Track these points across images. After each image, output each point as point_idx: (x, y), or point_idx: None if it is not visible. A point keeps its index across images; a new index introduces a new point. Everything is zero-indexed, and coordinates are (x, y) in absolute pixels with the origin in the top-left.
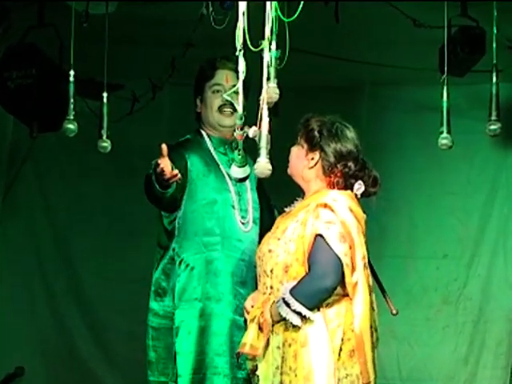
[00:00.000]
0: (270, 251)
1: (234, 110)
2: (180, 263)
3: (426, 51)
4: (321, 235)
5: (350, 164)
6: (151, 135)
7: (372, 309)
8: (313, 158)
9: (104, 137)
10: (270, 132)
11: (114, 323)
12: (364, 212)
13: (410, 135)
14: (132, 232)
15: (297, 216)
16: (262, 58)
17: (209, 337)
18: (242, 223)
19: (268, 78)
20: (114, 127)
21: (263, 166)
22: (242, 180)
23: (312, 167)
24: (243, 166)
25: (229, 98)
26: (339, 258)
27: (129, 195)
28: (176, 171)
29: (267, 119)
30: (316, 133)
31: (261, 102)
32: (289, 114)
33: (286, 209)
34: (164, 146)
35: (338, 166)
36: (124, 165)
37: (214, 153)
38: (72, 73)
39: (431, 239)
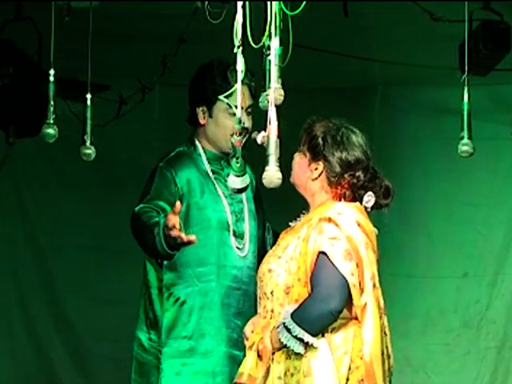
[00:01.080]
0: (269, 271)
1: (248, 133)
2: (169, 297)
3: (445, 48)
4: (324, 253)
5: (359, 174)
6: (140, 141)
7: (384, 333)
8: (316, 169)
9: (87, 143)
10: (279, 137)
11: (100, 349)
12: (375, 226)
13: (427, 141)
14: (119, 248)
15: (299, 232)
16: (262, 56)
17: (203, 377)
18: (238, 248)
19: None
20: (98, 132)
21: (272, 174)
22: (241, 191)
23: (316, 178)
24: (242, 176)
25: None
26: (345, 278)
27: (115, 208)
28: (193, 237)
29: (275, 123)
30: (319, 140)
31: (269, 104)
32: (293, 118)
33: (290, 223)
34: (178, 205)
35: (345, 176)
36: (110, 174)
37: (209, 170)
38: (52, 72)
39: (450, 256)
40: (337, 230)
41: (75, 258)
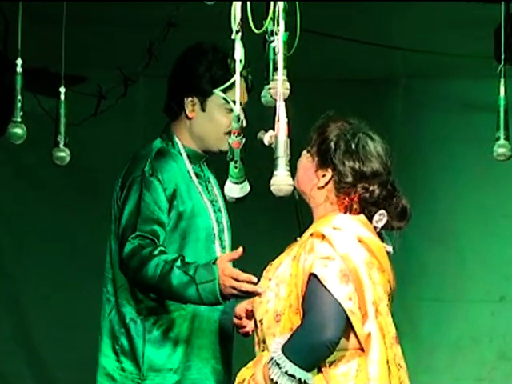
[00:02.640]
0: (259, 296)
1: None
2: (150, 322)
3: (478, 34)
4: (315, 275)
5: (373, 188)
6: (122, 142)
7: (397, 366)
8: (324, 176)
9: (61, 144)
10: (288, 136)
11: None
12: (384, 240)
13: (457, 142)
14: (96, 265)
15: (293, 249)
16: (264, 43)
17: None
18: None
19: (275, 69)
20: (74, 132)
21: (282, 180)
22: (239, 200)
23: (322, 187)
24: (241, 182)
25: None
26: (340, 304)
27: (92, 219)
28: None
29: (285, 120)
30: (331, 144)
31: (277, 99)
32: (302, 113)
33: (298, 238)
34: (241, 251)
35: (357, 187)
36: (86, 180)
37: (191, 171)
38: (19, 62)
39: (484, 277)
40: (330, 249)
41: (45, 275)
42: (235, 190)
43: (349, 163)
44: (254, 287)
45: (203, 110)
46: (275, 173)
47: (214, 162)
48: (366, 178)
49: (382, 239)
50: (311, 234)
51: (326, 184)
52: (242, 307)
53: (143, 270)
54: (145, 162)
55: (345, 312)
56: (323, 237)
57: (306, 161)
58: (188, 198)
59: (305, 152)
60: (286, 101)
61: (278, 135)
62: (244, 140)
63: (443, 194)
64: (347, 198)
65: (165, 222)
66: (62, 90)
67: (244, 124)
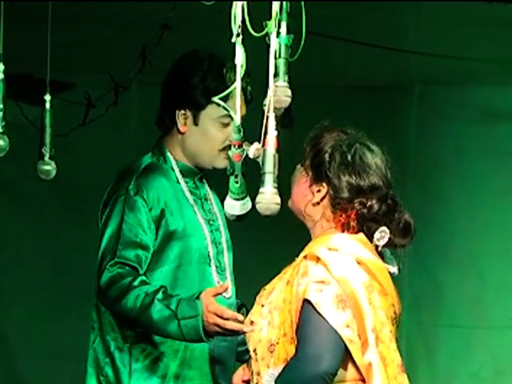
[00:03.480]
0: (251, 323)
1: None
2: (137, 350)
3: (502, 36)
4: (309, 301)
5: (371, 203)
6: (113, 154)
7: None
8: (319, 191)
9: (46, 157)
10: (277, 150)
11: None
12: (386, 260)
13: (476, 155)
14: (82, 289)
15: (287, 272)
16: (267, 47)
17: None
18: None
19: (275, 75)
20: (60, 144)
21: (269, 198)
22: (240, 218)
23: (317, 203)
24: (242, 199)
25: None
26: (337, 332)
27: (79, 238)
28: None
29: (274, 133)
30: (325, 157)
31: (265, 109)
32: (306, 123)
33: (297, 258)
34: (226, 286)
35: (354, 202)
36: (74, 196)
37: (185, 188)
38: (1, 67)
39: (506, 301)
40: (325, 272)
41: (29, 299)
42: (236, 206)
43: (344, 177)
44: (240, 326)
45: (196, 124)
46: (261, 190)
47: (215, 178)
48: (364, 193)
49: (384, 259)
50: (305, 257)
51: (322, 200)
52: (238, 377)
53: (122, 302)
54: (130, 179)
55: (342, 341)
56: (318, 259)
57: (300, 175)
58: (179, 217)
59: (298, 166)
60: (287, 109)
61: (267, 148)
62: (245, 153)
63: (461, 211)
64: (344, 215)
65: (149, 244)
66: (48, 97)
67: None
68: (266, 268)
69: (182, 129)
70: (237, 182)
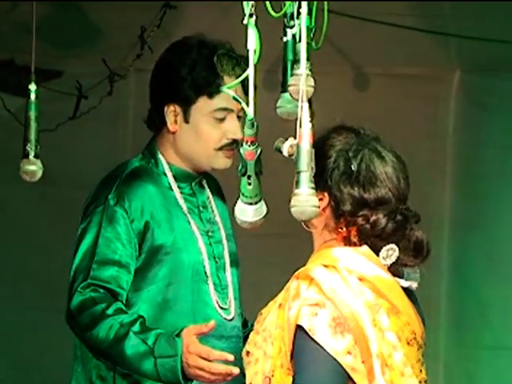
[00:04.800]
0: (247, 354)
1: (237, 146)
2: (121, 379)
3: None
4: (301, 327)
5: (377, 218)
6: (107, 152)
7: None
8: (321, 200)
9: (31, 155)
10: (313, 145)
11: None
12: (401, 276)
13: None
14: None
15: (280, 294)
16: (284, 30)
17: None
18: (222, 308)
19: (295, 61)
20: (47, 139)
21: (305, 200)
22: (253, 226)
23: (320, 214)
24: (256, 203)
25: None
26: (337, 361)
27: (68, 250)
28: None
29: (308, 125)
30: (328, 163)
31: (299, 98)
32: (329, 117)
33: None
34: (212, 325)
35: (358, 217)
36: (62, 201)
37: (178, 195)
38: None
39: None
40: (319, 293)
41: (6, 320)
42: (248, 211)
43: (345, 188)
44: (228, 368)
45: (187, 121)
46: (296, 191)
47: (225, 179)
48: (369, 206)
49: (398, 273)
50: (296, 276)
51: (324, 209)
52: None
53: (93, 331)
54: (111, 187)
55: (344, 370)
56: (311, 280)
57: None
58: (168, 229)
59: None
60: (309, 101)
61: (301, 144)
62: (260, 150)
63: (508, 215)
64: (345, 229)
65: (130, 261)
66: (33, 87)
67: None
68: (275, 284)
69: (171, 127)
70: (249, 184)
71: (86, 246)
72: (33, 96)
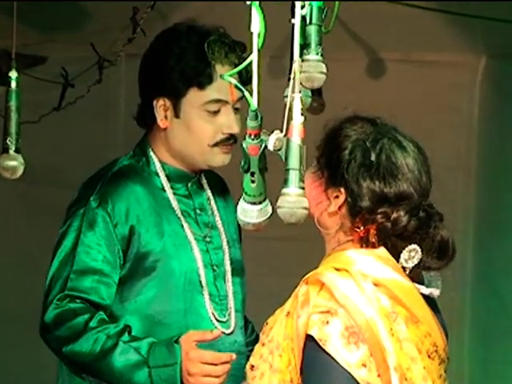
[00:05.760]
0: (251, 368)
1: (235, 141)
2: None
3: None
4: (312, 337)
5: (398, 216)
6: (96, 146)
7: None
8: (337, 197)
9: (11, 150)
10: (303, 140)
11: None
12: (421, 282)
13: None
14: None
15: (288, 301)
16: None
17: None
18: (220, 321)
19: (306, 46)
20: (29, 133)
21: (294, 201)
22: (258, 227)
23: (335, 212)
24: (260, 202)
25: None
26: (350, 374)
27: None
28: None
29: (300, 118)
30: (344, 155)
31: (288, 89)
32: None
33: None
34: (218, 333)
35: (377, 215)
36: (45, 201)
37: (171, 197)
38: None
39: None
40: (331, 300)
41: None
42: (252, 212)
43: (365, 182)
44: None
45: (177, 115)
46: (284, 190)
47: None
48: (389, 202)
49: (418, 279)
50: (305, 281)
51: (340, 208)
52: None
53: (75, 345)
54: (94, 187)
55: (357, 383)
56: (322, 284)
57: (313, 175)
58: (157, 234)
59: (311, 167)
60: (320, 90)
61: (291, 138)
62: (264, 144)
63: None
64: (362, 228)
65: (113, 269)
66: (13, 74)
67: (238, 128)
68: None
69: (162, 123)
70: (253, 182)
71: (63, 253)
72: (13, 84)
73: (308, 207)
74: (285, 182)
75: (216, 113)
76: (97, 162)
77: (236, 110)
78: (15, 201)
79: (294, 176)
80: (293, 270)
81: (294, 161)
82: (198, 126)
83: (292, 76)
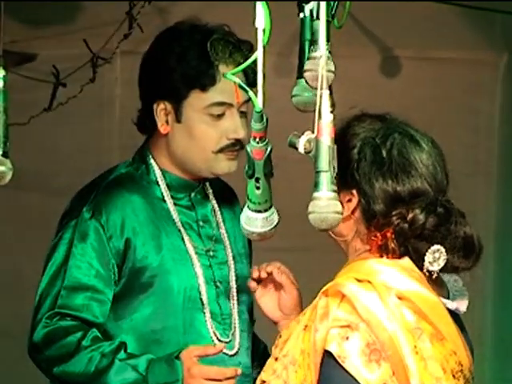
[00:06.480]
0: None
1: (242, 147)
2: None
3: None
4: (330, 353)
5: (415, 215)
6: (89, 150)
7: None
8: (349, 201)
9: None
10: (333, 140)
11: None
12: (446, 296)
13: None
14: None
15: (305, 314)
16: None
17: None
18: (222, 341)
19: (313, 42)
20: (18, 135)
21: (325, 206)
22: (263, 237)
23: (349, 218)
24: (265, 210)
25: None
26: None
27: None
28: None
29: (329, 117)
30: (353, 154)
31: (317, 85)
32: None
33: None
34: (221, 347)
35: (392, 217)
36: (35, 209)
37: (171, 208)
38: None
39: None
40: (352, 313)
41: None
42: (257, 220)
43: (377, 182)
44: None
45: (179, 120)
46: (315, 194)
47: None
48: (403, 202)
49: (443, 292)
50: (325, 292)
51: (353, 212)
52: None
53: (68, 364)
54: (88, 197)
55: None
56: (342, 296)
57: None
58: (155, 248)
59: None
60: (329, 88)
61: (320, 138)
62: (270, 148)
63: None
64: (379, 235)
65: (107, 285)
66: (1, 72)
67: (245, 132)
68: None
69: (162, 128)
70: (258, 188)
71: (54, 267)
72: (1, 83)
73: (341, 211)
74: (315, 186)
75: (220, 116)
76: (91, 166)
77: (242, 113)
78: (2, 209)
79: (324, 179)
80: (301, 281)
81: (324, 162)
82: (200, 130)
83: (319, 72)
